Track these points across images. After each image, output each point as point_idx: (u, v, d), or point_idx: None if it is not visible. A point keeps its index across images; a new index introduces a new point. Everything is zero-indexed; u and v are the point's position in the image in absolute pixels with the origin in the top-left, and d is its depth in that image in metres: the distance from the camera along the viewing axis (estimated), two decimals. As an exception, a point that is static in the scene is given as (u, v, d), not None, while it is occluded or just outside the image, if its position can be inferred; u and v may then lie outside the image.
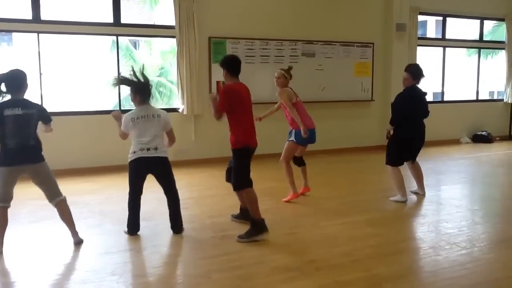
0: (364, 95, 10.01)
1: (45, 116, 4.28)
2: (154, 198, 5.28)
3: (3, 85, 4.09)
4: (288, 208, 5.51)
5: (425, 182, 6.09)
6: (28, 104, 4.14)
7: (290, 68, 5.93)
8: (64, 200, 4.33)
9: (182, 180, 7.08)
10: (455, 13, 11.17)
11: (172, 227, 4.67)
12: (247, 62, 8.74)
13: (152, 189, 5.17)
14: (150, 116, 4.58)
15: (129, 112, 4.65)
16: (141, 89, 4.61)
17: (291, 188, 5.71)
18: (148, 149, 4.50)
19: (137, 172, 4.54)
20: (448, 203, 5.80)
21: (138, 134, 4.54)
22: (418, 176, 6.05)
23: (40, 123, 4.24)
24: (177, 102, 8.52)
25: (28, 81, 4.20)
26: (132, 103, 4.78)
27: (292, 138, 5.68)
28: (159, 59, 16.69)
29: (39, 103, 4.47)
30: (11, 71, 4.14)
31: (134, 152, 4.52)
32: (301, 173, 5.92)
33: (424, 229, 4.77)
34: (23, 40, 12.85)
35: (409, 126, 5.64)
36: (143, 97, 4.61)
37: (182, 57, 8.18)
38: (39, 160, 4.17)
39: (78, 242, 4.31)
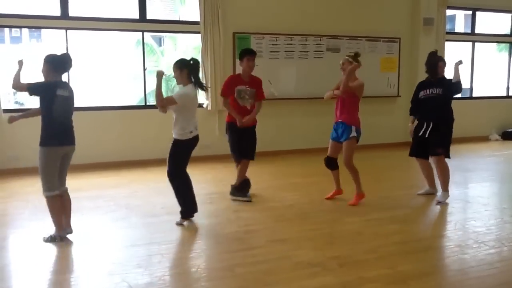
0: (390, 90, 9.87)
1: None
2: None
3: (52, 65, 4.23)
4: (312, 203, 5.49)
5: (452, 180, 5.97)
6: (70, 87, 4.40)
7: (357, 54, 5.41)
8: (67, 191, 4.42)
9: (207, 174, 7.15)
10: (485, 7, 10.87)
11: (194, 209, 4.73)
12: (271, 57, 8.72)
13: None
14: (196, 95, 4.70)
15: (187, 88, 4.59)
16: (195, 67, 4.65)
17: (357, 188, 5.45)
18: (196, 128, 4.70)
19: (191, 150, 4.71)
20: (475, 201, 5.68)
21: (193, 112, 4.68)
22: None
23: None
24: (201, 98, 8.56)
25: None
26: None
27: (354, 134, 5.29)
28: (183, 55, 16.81)
29: None
30: (63, 54, 4.36)
31: (191, 132, 4.60)
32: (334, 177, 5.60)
33: (451, 227, 4.69)
34: (52, 37, 13.10)
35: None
36: (194, 75, 4.64)
37: (206, 52, 8.22)
38: (75, 142, 4.40)
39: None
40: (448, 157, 5.54)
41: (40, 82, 4.27)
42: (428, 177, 5.81)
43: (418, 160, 5.75)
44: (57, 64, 4.26)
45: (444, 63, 5.69)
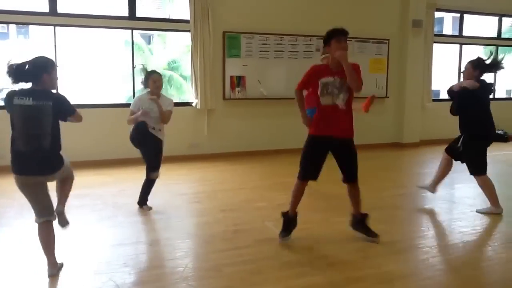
0: (379, 91, 9.92)
1: (64, 110, 3.50)
2: (167, 191, 5.32)
3: (17, 72, 3.37)
4: (301, 203, 5.47)
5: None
6: (43, 94, 3.36)
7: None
8: (72, 179, 3.86)
9: (195, 174, 7.13)
10: (473, 10, 11.00)
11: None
12: (261, 57, 8.73)
13: (164, 182, 5.23)
14: None
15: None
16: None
17: None
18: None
19: None
20: (461, 201, 5.74)
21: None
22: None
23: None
24: (191, 96, 8.55)
25: (52, 71, 3.45)
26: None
27: None
28: (172, 53, 16.77)
29: (60, 93, 3.64)
30: (34, 58, 3.46)
31: None
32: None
33: (437, 227, 4.73)
34: (40, 33, 12.98)
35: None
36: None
37: (196, 51, 8.19)
38: (54, 170, 3.47)
39: (60, 213, 3.82)
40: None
41: None
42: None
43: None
44: (25, 69, 3.41)
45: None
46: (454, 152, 5.33)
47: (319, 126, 4.13)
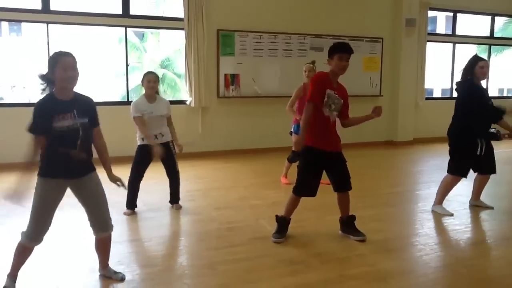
0: (373, 90, 9.96)
1: None
2: (160, 189, 5.30)
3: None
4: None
5: (432, 178, 6.06)
6: None
7: (314, 62, 6.27)
8: None
9: (189, 172, 7.11)
10: (466, 9, 11.06)
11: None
12: (255, 55, 8.73)
13: (158, 180, 5.21)
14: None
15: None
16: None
17: None
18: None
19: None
20: (454, 199, 5.76)
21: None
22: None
23: None
24: (184, 94, 8.53)
25: (52, 68, 3.08)
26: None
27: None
28: (166, 51, 16.72)
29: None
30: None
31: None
32: None
33: (430, 225, 4.75)
34: (32, 30, 12.89)
35: None
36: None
37: (190, 49, 8.18)
38: None
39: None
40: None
41: None
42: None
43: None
44: None
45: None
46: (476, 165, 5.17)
47: (315, 138, 4.06)
